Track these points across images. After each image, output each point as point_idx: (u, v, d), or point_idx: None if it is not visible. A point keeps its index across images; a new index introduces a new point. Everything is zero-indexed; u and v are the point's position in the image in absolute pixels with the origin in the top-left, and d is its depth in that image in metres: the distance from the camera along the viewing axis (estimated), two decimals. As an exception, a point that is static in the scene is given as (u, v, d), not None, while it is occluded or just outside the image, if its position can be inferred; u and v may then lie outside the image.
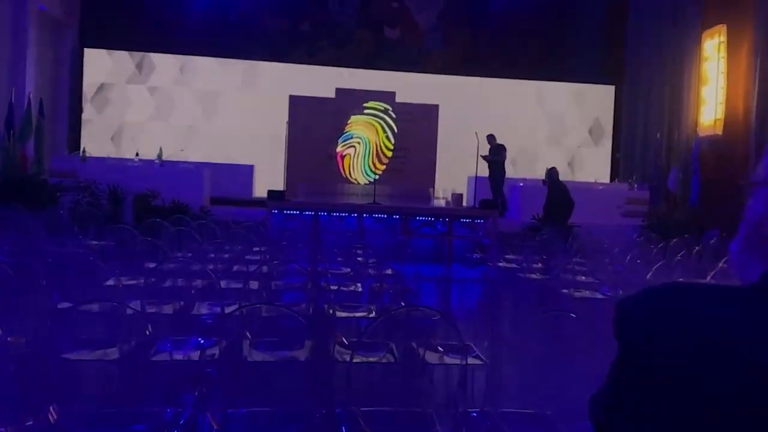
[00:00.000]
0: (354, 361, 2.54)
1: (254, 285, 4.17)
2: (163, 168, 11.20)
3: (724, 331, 0.75)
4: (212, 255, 5.55)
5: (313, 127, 13.45)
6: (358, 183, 13.82)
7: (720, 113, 11.87)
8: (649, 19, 13.93)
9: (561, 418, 2.40)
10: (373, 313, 3.92)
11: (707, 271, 5.35)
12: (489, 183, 12.17)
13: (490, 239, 10.28)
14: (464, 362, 2.71)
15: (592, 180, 14.14)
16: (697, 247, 6.86)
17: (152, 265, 4.21)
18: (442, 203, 13.69)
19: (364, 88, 14.13)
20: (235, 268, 4.94)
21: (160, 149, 12.03)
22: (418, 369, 2.93)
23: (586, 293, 5.00)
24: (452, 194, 11.49)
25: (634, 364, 0.81)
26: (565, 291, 4.95)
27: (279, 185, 13.48)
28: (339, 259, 5.99)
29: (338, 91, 13.81)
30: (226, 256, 5.68)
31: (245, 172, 12.42)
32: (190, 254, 5.06)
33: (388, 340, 3.08)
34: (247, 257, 5.62)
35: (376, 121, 13.98)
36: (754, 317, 0.75)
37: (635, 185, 12.69)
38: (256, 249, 6.35)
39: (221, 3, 14.85)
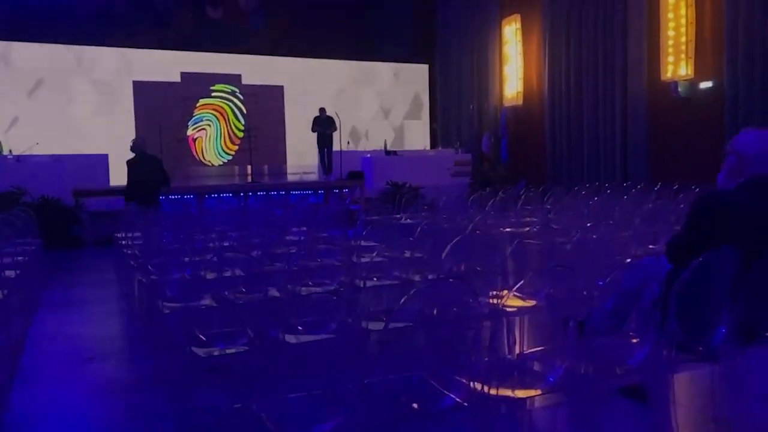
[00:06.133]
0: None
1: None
2: (19, 163, 10.52)
3: (737, 201, 2.49)
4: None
5: (161, 111, 13.42)
6: (213, 165, 14.11)
7: (520, 87, 14.60)
8: (456, 6, 16.22)
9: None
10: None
11: (511, 210, 7.57)
12: (318, 149, 12.91)
13: (358, 204, 11.66)
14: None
15: (420, 148, 16.23)
16: (502, 194, 9.09)
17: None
18: (296, 178, 14.71)
19: (205, 72, 14.31)
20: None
21: (0, 143, 11.22)
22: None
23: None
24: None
25: (705, 220, 2.49)
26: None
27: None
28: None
29: (183, 75, 13.85)
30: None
31: (101, 162, 12.05)
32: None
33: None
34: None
35: (224, 103, 14.32)
36: (746, 194, 2.49)
37: (459, 150, 14.98)
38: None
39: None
